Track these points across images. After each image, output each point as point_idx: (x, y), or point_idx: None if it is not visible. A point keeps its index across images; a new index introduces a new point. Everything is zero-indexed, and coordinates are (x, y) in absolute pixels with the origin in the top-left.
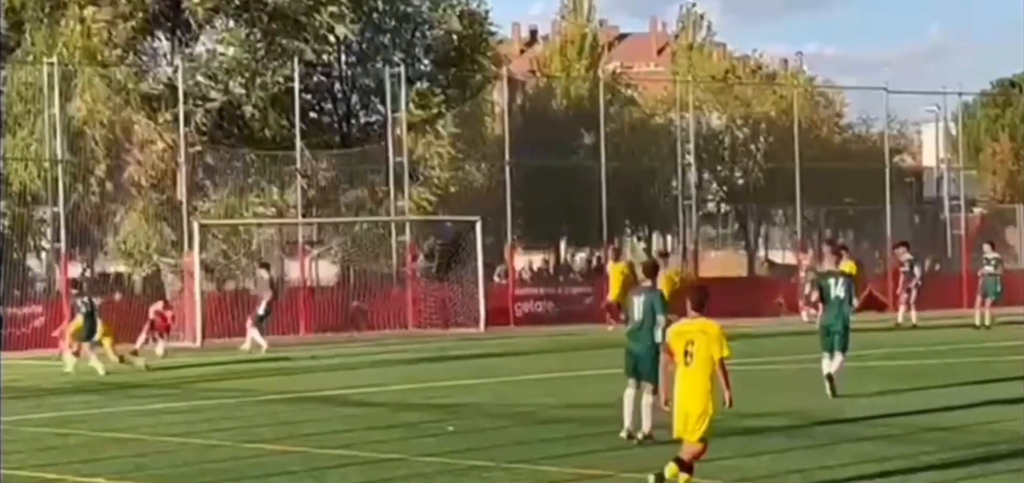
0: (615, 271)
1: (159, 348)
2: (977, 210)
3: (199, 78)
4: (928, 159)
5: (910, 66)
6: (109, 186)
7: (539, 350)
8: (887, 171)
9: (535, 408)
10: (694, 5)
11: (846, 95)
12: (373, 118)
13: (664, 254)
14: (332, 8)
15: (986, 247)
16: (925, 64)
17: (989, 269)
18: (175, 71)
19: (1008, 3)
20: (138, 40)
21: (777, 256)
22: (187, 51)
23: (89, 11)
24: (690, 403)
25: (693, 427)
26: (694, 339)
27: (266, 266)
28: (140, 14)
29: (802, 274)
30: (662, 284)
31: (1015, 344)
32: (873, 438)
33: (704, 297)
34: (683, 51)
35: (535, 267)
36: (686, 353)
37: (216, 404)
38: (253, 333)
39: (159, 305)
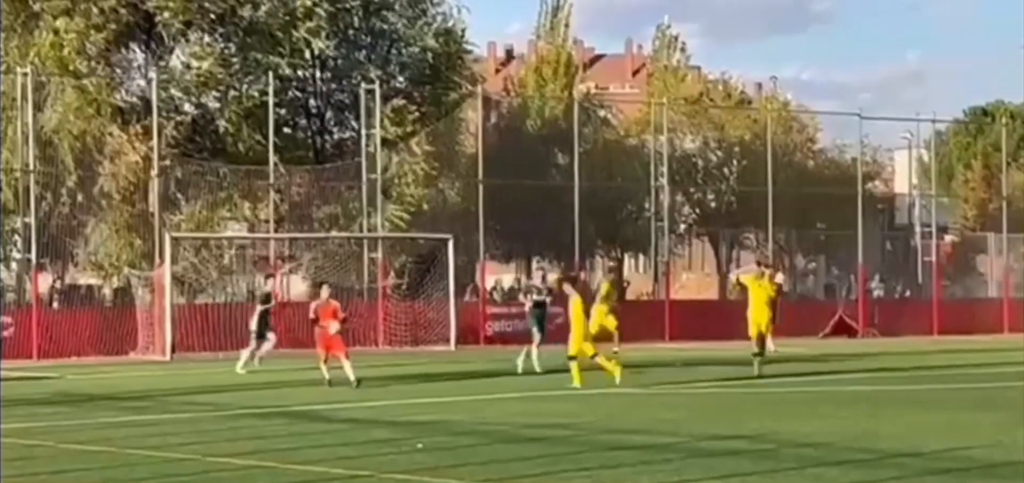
0: None
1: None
2: (948, 237)
3: (173, 91)
4: (901, 185)
5: (887, 91)
6: (80, 197)
7: (509, 371)
8: (859, 196)
9: (506, 427)
10: (669, 27)
11: (820, 120)
12: (347, 134)
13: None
14: (309, 24)
15: None
16: (902, 90)
17: None
18: (148, 83)
19: (984, 32)
20: (111, 52)
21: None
22: (161, 64)
23: (62, 22)
24: None
25: None
26: None
27: None
28: (113, 26)
29: None
30: None
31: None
32: (838, 463)
33: None
34: (658, 73)
35: (506, 286)
36: None
37: (186, 417)
38: None
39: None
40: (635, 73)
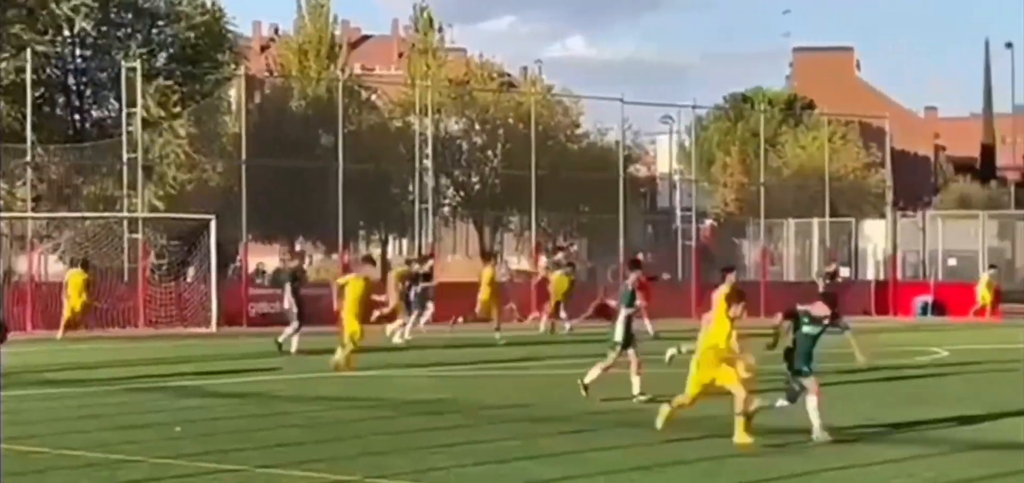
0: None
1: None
2: (708, 221)
3: None
4: (662, 170)
5: (647, 77)
6: None
7: (266, 352)
8: (621, 181)
9: (272, 410)
10: (425, 9)
11: (584, 104)
12: (107, 113)
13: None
14: (70, 1)
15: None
16: (662, 75)
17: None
18: None
19: (747, 23)
20: None
21: (513, 262)
22: None
23: None
24: None
25: None
26: None
27: None
28: None
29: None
30: None
31: None
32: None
33: None
34: (418, 55)
35: (269, 268)
36: None
37: None
38: None
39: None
40: (401, 55)
